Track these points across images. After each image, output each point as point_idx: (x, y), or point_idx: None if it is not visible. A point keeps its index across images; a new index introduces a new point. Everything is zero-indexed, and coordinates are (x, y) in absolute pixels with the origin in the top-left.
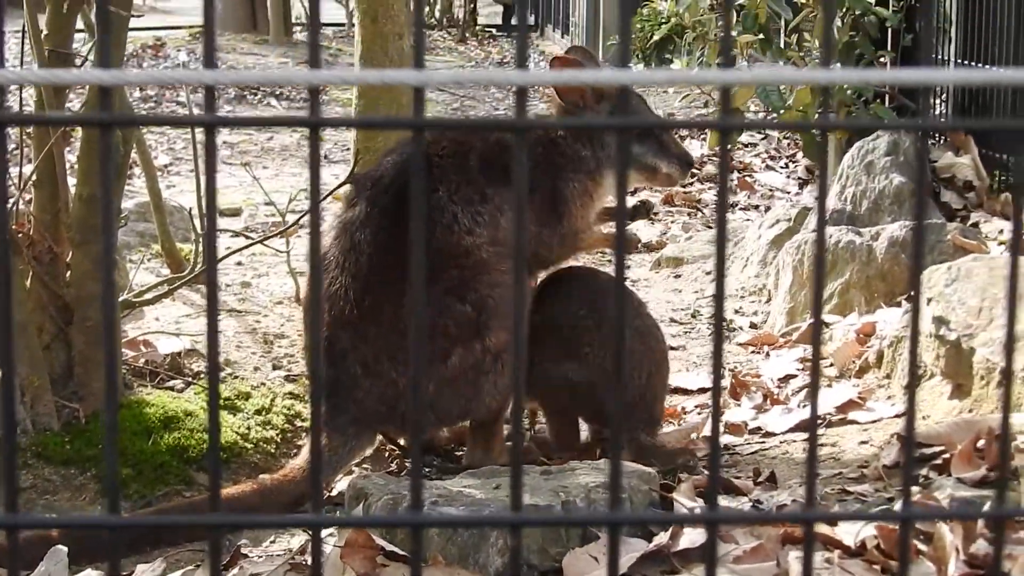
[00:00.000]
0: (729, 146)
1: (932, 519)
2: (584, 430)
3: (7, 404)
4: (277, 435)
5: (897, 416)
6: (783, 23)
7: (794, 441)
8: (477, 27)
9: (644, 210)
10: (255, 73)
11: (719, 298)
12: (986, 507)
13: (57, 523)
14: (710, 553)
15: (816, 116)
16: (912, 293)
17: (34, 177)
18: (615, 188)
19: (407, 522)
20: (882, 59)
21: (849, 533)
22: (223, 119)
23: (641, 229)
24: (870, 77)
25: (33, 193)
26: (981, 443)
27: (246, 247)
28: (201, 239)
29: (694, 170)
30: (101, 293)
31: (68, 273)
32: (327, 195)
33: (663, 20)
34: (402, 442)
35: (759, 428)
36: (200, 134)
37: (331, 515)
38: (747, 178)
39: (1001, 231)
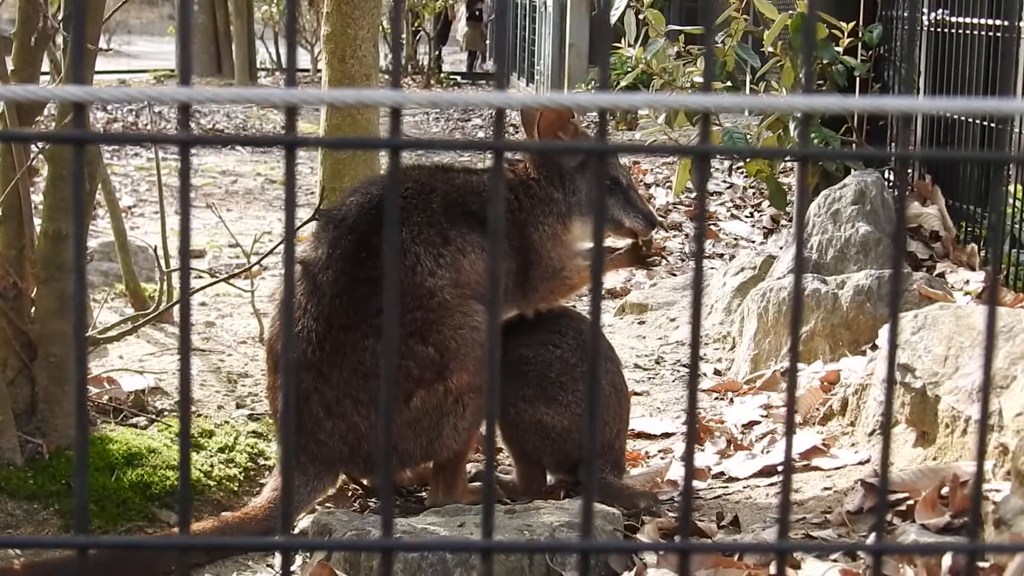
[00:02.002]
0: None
1: (905, 552)
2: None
3: None
4: (240, 473)
5: (861, 463)
6: (750, 71)
7: (757, 486)
8: (442, 74)
9: (643, 251)
10: (231, 90)
11: (695, 323)
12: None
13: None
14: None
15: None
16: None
17: None
18: (588, 227)
19: (378, 546)
20: None
21: None
22: (199, 138)
23: (607, 277)
24: (850, 104)
25: None
26: (945, 490)
27: (212, 284)
28: (167, 276)
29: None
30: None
31: (33, 310)
32: (279, 244)
33: (629, 68)
34: (365, 482)
35: (722, 473)
36: (166, 170)
37: (303, 538)
38: (712, 227)
39: (967, 281)
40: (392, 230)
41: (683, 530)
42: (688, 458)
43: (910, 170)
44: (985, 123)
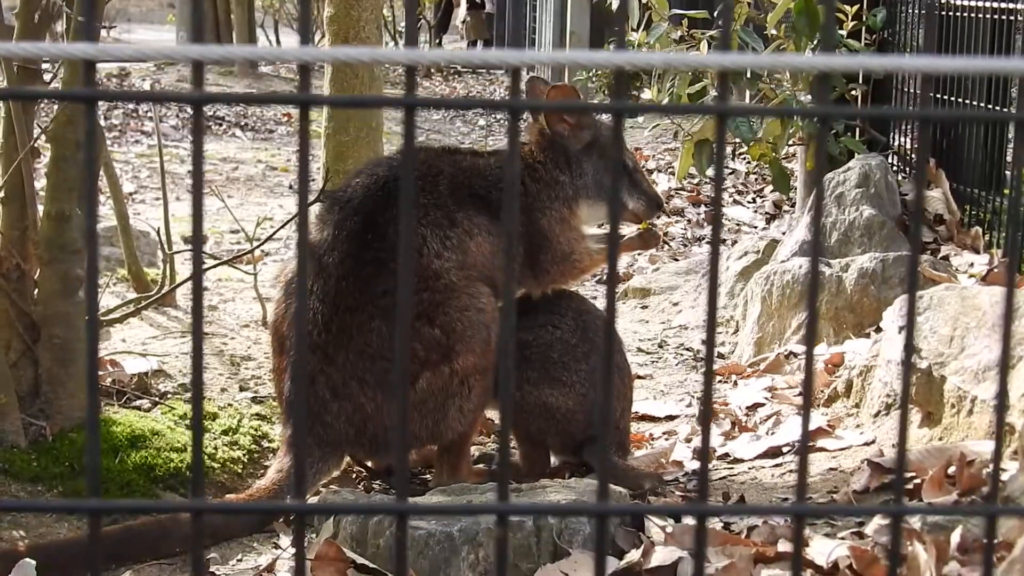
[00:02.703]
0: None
1: (926, 514)
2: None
3: None
4: (244, 455)
5: (866, 444)
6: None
7: (762, 467)
8: (441, 64)
9: (653, 238)
10: (244, 49)
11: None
12: (958, 530)
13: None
14: (699, 544)
15: (798, 138)
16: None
17: (2, 194)
18: (594, 210)
19: (392, 509)
20: (853, 92)
21: (822, 554)
22: (212, 95)
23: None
24: (868, 64)
25: (0, 210)
26: (952, 470)
27: (215, 266)
28: (170, 259)
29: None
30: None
31: (36, 291)
32: (292, 218)
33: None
34: (370, 464)
35: (727, 455)
36: (166, 157)
37: (316, 503)
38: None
39: (972, 264)
40: (408, 188)
41: (702, 492)
42: (704, 423)
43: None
44: (989, 106)
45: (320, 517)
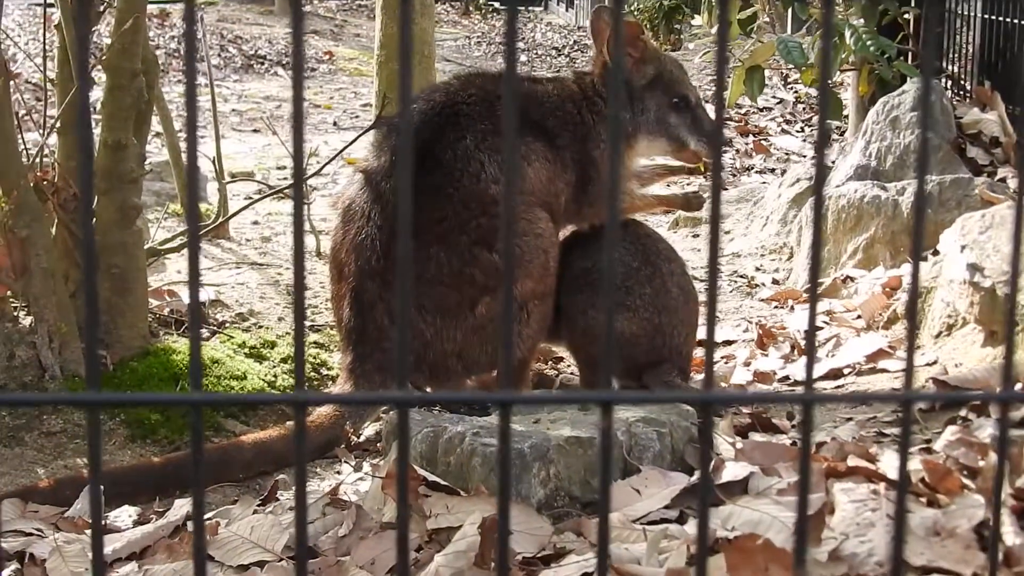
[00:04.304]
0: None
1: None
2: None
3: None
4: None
5: (928, 364)
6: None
7: (824, 389)
8: (481, 1)
9: (696, 202)
10: None
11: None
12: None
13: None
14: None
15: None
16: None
17: (58, 124)
18: (653, 146)
19: (498, 399)
20: (905, 15)
21: (893, 467)
22: None
23: (656, 189)
24: None
25: (57, 140)
26: (1019, 386)
27: (265, 196)
28: (223, 189)
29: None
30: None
31: (94, 221)
32: (346, 147)
33: None
34: (428, 390)
35: (787, 377)
36: (219, 90)
37: (419, 394)
38: (763, 142)
39: None
40: (509, 102)
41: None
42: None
43: (969, 77)
44: None
45: (388, 436)
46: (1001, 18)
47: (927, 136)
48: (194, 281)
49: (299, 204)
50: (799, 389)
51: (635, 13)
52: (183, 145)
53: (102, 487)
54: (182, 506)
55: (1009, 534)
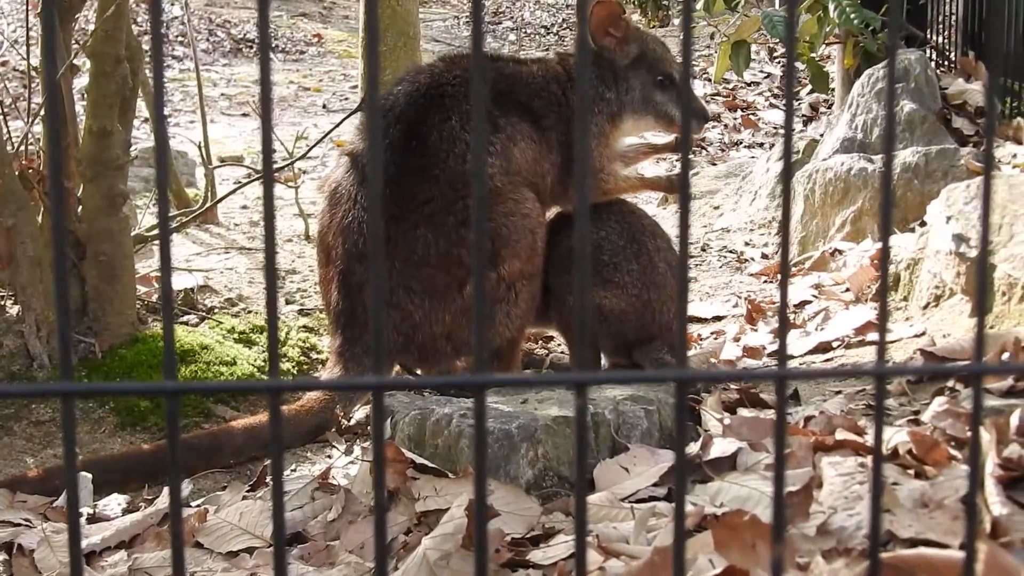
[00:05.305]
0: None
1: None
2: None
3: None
4: (293, 367)
5: (916, 336)
6: None
7: (813, 363)
8: None
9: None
10: None
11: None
12: (1017, 412)
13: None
14: (780, 406)
15: (821, 47)
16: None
17: (42, 112)
18: (640, 123)
19: (473, 382)
20: None
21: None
22: None
23: (646, 167)
24: None
25: (42, 128)
26: (1006, 355)
27: (253, 180)
28: (210, 174)
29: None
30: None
31: (79, 208)
32: (331, 129)
33: None
34: (419, 372)
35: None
36: (208, 74)
37: (396, 379)
38: (751, 116)
39: (1015, 155)
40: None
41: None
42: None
43: (953, 47)
44: None
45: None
46: None
47: (893, 113)
48: (166, 273)
49: (269, 193)
50: (789, 364)
51: None
52: (171, 131)
53: (91, 475)
54: (169, 490)
55: (996, 504)
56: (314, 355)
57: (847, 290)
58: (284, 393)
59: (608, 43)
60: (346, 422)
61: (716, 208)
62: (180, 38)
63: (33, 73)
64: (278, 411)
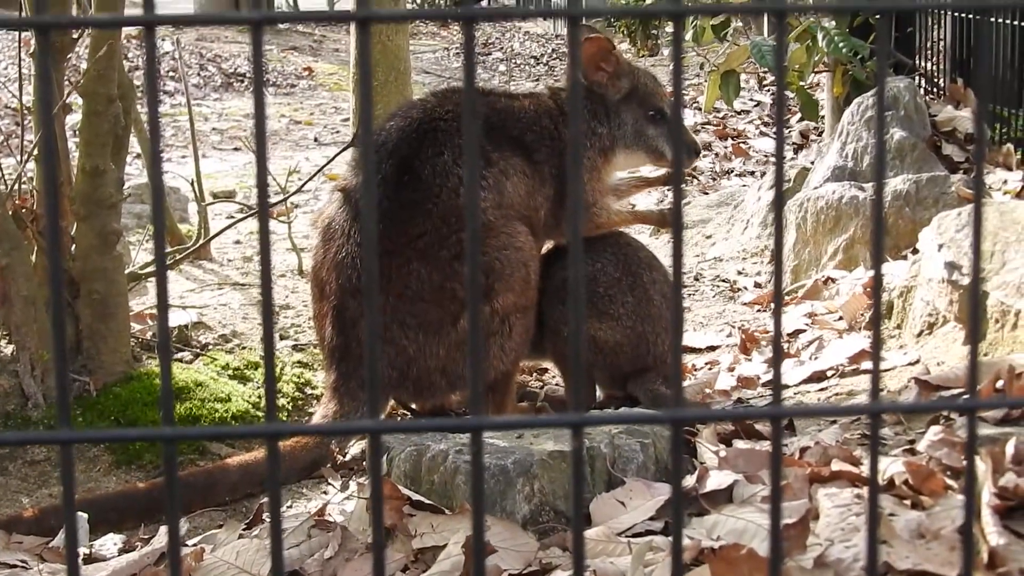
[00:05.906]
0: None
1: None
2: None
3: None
4: (288, 403)
5: (910, 364)
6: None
7: (808, 392)
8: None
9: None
10: None
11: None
12: (1012, 441)
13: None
14: (775, 445)
15: (810, 70)
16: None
17: (36, 151)
18: (631, 158)
19: (469, 425)
20: (877, 16)
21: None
22: (271, 16)
23: (639, 199)
24: None
25: (35, 166)
26: (1000, 383)
27: (247, 217)
28: (203, 211)
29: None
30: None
31: (73, 247)
32: (324, 165)
33: None
34: (414, 406)
35: (771, 381)
36: (200, 109)
37: (392, 422)
38: (741, 145)
39: (1005, 181)
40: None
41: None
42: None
43: (941, 74)
44: (1017, 23)
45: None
46: (972, 16)
47: (883, 141)
48: (163, 319)
49: (265, 235)
50: (784, 394)
51: (611, 20)
52: (164, 167)
53: (87, 515)
54: (167, 533)
55: (993, 534)
56: (309, 391)
57: (840, 318)
58: (282, 438)
59: (599, 78)
60: (342, 457)
61: (708, 237)
62: (171, 73)
63: (26, 111)
64: (276, 456)
